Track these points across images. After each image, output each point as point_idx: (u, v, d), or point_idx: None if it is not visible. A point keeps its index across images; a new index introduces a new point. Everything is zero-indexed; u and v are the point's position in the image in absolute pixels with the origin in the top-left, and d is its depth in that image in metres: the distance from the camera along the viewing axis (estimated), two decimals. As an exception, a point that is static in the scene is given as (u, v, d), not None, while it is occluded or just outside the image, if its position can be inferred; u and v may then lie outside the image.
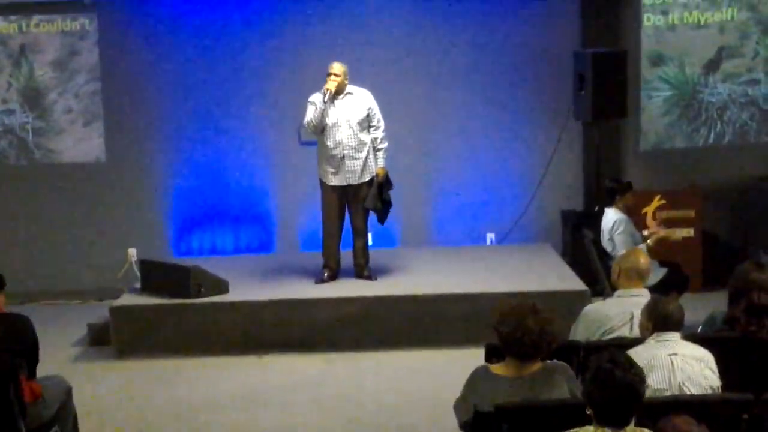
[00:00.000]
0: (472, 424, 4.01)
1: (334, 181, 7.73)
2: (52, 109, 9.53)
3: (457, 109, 9.48)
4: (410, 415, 6.25)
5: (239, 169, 9.53)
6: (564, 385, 4.07)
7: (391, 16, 9.41)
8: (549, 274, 8.05)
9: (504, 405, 3.90)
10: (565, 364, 4.21)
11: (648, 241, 7.41)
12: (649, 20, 9.38)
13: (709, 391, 4.19)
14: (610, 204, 7.63)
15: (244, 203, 9.55)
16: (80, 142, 9.57)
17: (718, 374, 4.27)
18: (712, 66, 9.44)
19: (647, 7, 9.37)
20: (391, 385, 6.78)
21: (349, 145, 7.64)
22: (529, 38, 9.36)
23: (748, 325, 4.74)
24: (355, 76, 7.82)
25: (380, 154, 7.77)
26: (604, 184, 8.06)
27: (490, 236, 9.59)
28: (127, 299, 7.81)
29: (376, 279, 7.95)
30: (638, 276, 5.24)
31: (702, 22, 9.39)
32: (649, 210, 8.71)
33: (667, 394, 4.14)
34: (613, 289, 5.45)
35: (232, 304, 7.59)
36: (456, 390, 4.32)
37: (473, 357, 4.70)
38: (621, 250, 7.03)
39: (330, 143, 7.65)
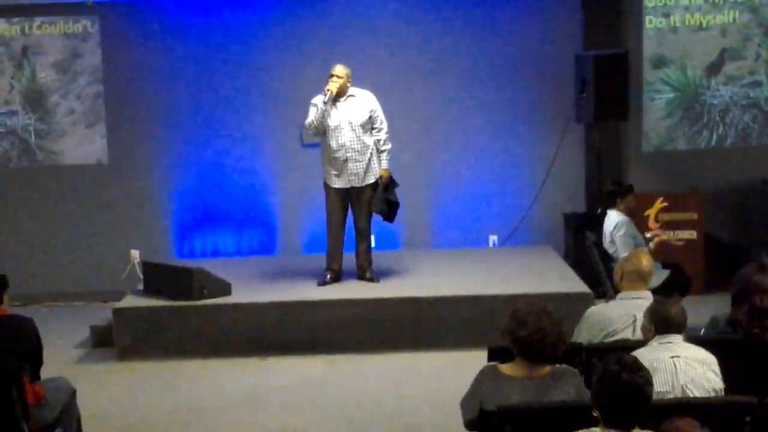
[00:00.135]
0: (478, 422, 4.02)
1: (337, 183, 7.73)
2: (54, 111, 9.55)
3: (459, 111, 9.49)
4: (412, 417, 6.24)
5: (241, 171, 9.54)
6: (572, 390, 4.06)
7: (394, 19, 9.43)
8: (551, 276, 8.05)
9: (507, 406, 3.90)
10: (574, 369, 4.22)
11: (650, 244, 7.42)
12: (651, 22, 9.39)
13: (712, 394, 4.19)
14: (611, 206, 7.63)
15: (246, 205, 9.56)
16: (82, 144, 9.59)
17: (720, 377, 4.27)
18: (714, 68, 9.45)
19: (649, 9, 9.38)
20: (393, 387, 6.78)
21: (351, 148, 7.63)
22: (530, 41, 9.37)
23: (750, 327, 4.73)
24: (358, 77, 7.82)
25: (384, 155, 7.76)
26: (605, 187, 8.06)
27: (493, 238, 9.60)
28: (130, 301, 7.81)
29: (378, 281, 7.95)
30: (641, 278, 5.24)
31: (704, 25, 9.40)
32: (651, 212, 8.71)
33: (670, 396, 4.14)
34: (616, 291, 5.45)
35: (235, 306, 7.58)
36: (458, 392, 4.32)
37: (476, 359, 4.70)
38: (623, 252, 7.04)
39: (333, 145, 7.65)
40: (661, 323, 4.38)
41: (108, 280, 9.31)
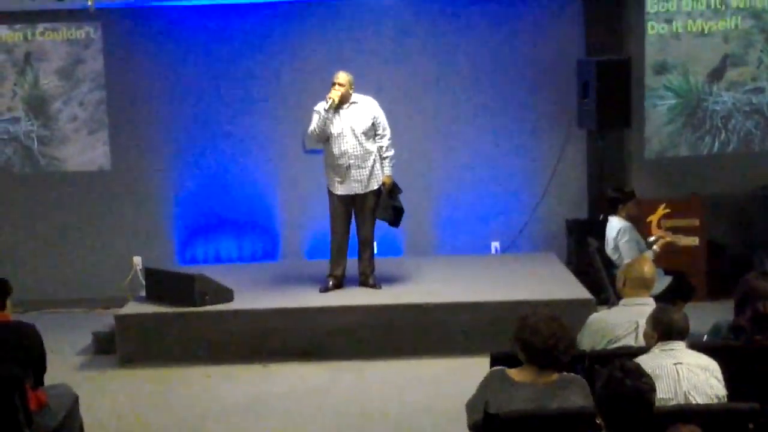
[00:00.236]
0: (483, 425, 4.01)
1: (340, 190, 7.73)
2: (56, 117, 9.55)
3: (461, 118, 9.48)
4: (414, 423, 6.24)
5: (244, 178, 9.54)
6: (579, 398, 4.05)
7: (395, 25, 9.42)
8: (554, 282, 8.04)
9: (510, 413, 3.89)
10: (582, 378, 4.21)
11: (654, 246, 7.41)
12: (653, 28, 9.39)
13: (715, 401, 4.18)
14: (612, 213, 7.62)
15: (248, 211, 9.55)
16: (85, 151, 9.59)
17: (723, 383, 4.26)
18: (716, 74, 9.45)
19: (651, 15, 9.37)
20: (395, 394, 6.77)
21: (354, 155, 7.63)
22: (532, 46, 9.36)
23: (753, 334, 4.73)
24: (361, 84, 7.83)
25: (386, 162, 7.76)
26: (606, 194, 8.05)
27: (495, 245, 9.59)
28: (132, 308, 7.81)
29: (381, 288, 7.94)
30: (643, 285, 5.23)
31: (706, 31, 9.40)
32: (653, 219, 8.71)
33: (673, 403, 4.13)
34: (619, 297, 5.44)
35: (237, 313, 7.58)
36: (460, 399, 4.32)
37: (478, 366, 4.70)
38: (626, 258, 7.02)
39: (336, 152, 7.65)
40: (663, 330, 4.38)
41: (110, 286, 9.31)
